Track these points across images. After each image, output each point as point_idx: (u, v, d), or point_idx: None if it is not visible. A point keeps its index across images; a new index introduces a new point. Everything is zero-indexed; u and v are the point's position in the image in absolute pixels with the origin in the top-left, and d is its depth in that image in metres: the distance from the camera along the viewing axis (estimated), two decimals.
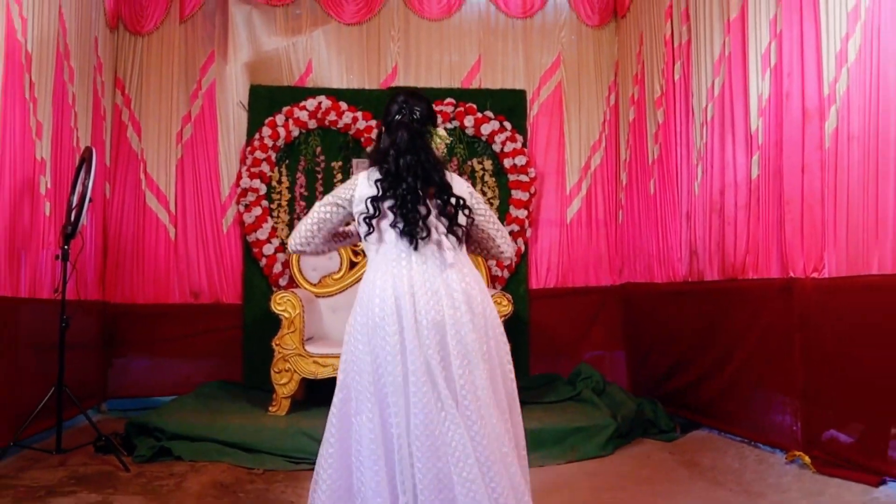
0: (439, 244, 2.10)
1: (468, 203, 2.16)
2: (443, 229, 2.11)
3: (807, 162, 3.11)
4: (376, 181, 2.10)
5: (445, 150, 2.29)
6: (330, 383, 4.13)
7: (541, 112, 5.33)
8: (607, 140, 5.34)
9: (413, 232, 2.06)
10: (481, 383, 2.02)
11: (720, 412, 3.81)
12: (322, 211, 2.20)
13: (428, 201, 2.09)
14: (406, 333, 2.01)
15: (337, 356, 4.02)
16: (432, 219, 2.10)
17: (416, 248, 2.07)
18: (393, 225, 2.08)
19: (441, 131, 2.24)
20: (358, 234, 2.23)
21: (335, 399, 2.13)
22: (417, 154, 2.10)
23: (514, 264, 5.08)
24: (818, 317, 3.02)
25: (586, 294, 5.21)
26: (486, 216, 2.26)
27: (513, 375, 2.18)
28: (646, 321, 4.79)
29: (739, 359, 3.61)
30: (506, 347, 2.17)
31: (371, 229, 2.10)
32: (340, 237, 2.33)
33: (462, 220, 2.15)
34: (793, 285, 3.16)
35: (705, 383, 3.94)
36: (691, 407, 4.11)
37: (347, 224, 2.27)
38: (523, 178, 5.10)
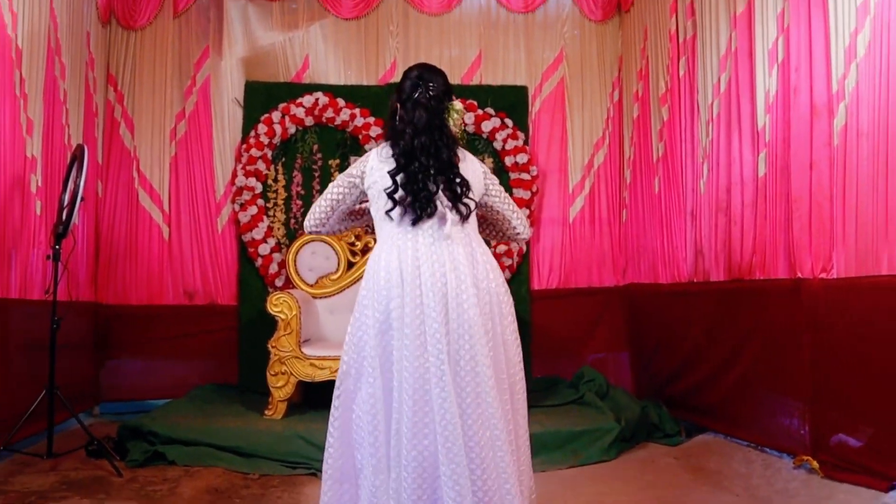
0: (445, 220, 2.14)
1: (483, 183, 2.24)
2: (450, 206, 2.15)
3: (815, 159, 3.11)
4: (391, 156, 2.16)
5: (463, 127, 2.36)
6: (327, 386, 4.15)
7: (543, 109, 5.33)
8: (611, 137, 5.34)
9: (420, 207, 2.11)
10: (482, 360, 2.04)
11: (726, 416, 3.81)
12: (336, 192, 2.25)
13: (437, 178, 2.14)
14: (407, 307, 2.05)
15: (335, 358, 4.04)
16: (441, 196, 2.14)
17: (420, 223, 2.12)
18: (402, 201, 2.13)
19: (458, 105, 2.25)
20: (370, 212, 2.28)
21: (337, 383, 2.18)
22: (433, 134, 2.15)
23: (515, 264, 5.08)
24: (827, 318, 3.02)
25: (589, 295, 5.21)
26: (500, 197, 2.33)
27: (520, 359, 2.20)
28: (650, 322, 4.79)
29: (746, 361, 3.61)
30: (513, 328, 2.19)
31: (395, 204, 2.13)
32: (356, 215, 2.37)
33: (467, 199, 2.18)
34: (801, 286, 3.16)
35: (711, 386, 3.94)
36: (697, 410, 4.11)
37: (362, 202, 2.33)
38: (525, 176, 5.10)
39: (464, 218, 2.18)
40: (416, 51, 5.29)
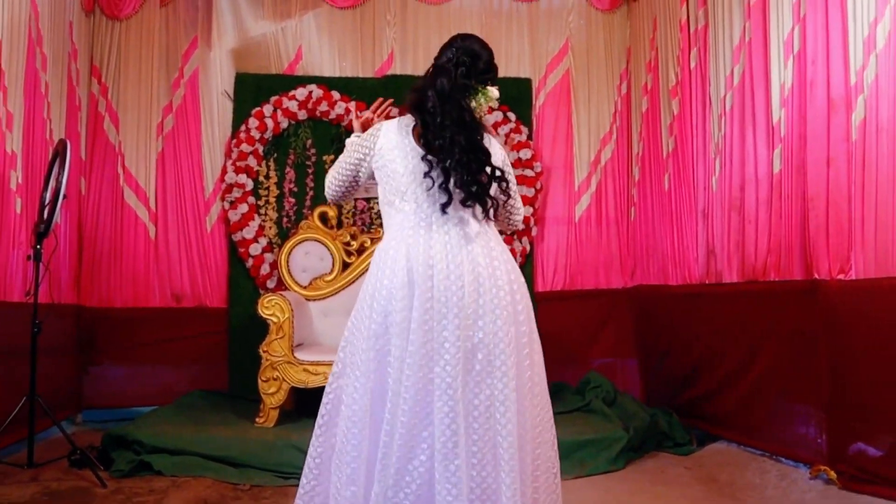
0: (463, 215, 2.02)
1: (504, 174, 2.09)
2: (469, 196, 2.00)
3: (832, 155, 3.11)
4: (415, 127, 2.05)
5: (487, 112, 2.19)
6: (321, 393, 4.15)
7: (547, 102, 5.33)
8: (618, 132, 5.34)
9: (468, 195, 1.98)
10: (499, 375, 1.94)
11: (740, 424, 3.81)
12: (346, 172, 2.17)
13: (465, 162, 2.00)
14: (415, 311, 1.94)
15: (329, 363, 4.02)
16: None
17: (441, 214, 2.00)
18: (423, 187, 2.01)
19: (493, 92, 2.09)
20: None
21: (329, 380, 2.14)
22: (460, 109, 2.01)
23: (518, 265, 5.08)
24: (845, 321, 3.02)
25: (596, 297, 5.21)
26: (513, 189, 2.19)
27: (541, 369, 2.11)
28: (660, 326, 4.79)
29: (760, 367, 3.61)
30: (533, 330, 2.10)
31: (433, 182, 2.00)
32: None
33: (495, 190, 2.06)
34: (818, 287, 3.16)
35: (724, 393, 3.94)
36: (709, 418, 4.11)
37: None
38: (528, 172, 5.10)
39: (486, 213, 2.05)
40: (414, 41, 5.29)
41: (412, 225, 2.02)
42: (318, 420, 2.13)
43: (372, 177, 2.16)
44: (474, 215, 2.05)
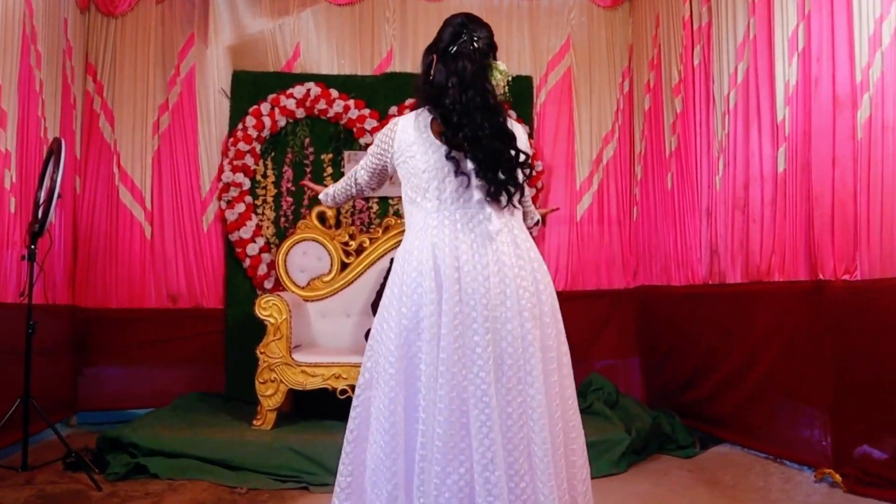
0: (488, 209, 1.97)
1: (528, 159, 2.03)
2: (493, 186, 1.95)
3: (838, 154, 3.11)
4: (433, 120, 1.99)
5: (507, 90, 2.09)
6: (319, 395, 4.16)
7: (548, 100, 5.33)
8: (621, 131, 5.34)
9: (496, 189, 1.94)
10: (532, 379, 1.91)
11: (743, 426, 3.81)
12: (365, 178, 2.24)
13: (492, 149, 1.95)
14: (445, 315, 1.88)
15: (327, 365, 4.05)
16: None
17: (465, 210, 1.96)
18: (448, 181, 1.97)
19: (502, 65, 2.04)
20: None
21: (356, 392, 2.07)
22: (483, 90, 1.94)
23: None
24: (850, 322, 3.02)
25: (598, 297, 5.21)
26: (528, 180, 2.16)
27: (569, 371, 2.10)
28: (662, 327, 4.79)
29: (764, 368, 3.61)
30: (559, 327, 2.06)
31: (467, 178, 1.96)
32: None
33: (521, 178, 2.01)
34: (823, 288, 3.16)
35: (727, 394, 3.94)
36: (712, 420, 4.11)
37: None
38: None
39: (513, 205, 2.00)
40: (413, 38, 5.29)
41: (436, 224, 1.97)
42: (347, 436, 2.04)
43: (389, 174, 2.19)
44: (499, 207, 1.98)
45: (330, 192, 2.46)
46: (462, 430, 1.84)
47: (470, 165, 1.95)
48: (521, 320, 1.94)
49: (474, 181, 1.96)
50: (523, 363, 1.92)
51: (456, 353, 1.87)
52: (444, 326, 1.88)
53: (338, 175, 5.04)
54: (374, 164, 2.17)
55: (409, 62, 5.24)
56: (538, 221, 2.45)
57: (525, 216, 2.22)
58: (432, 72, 2.03)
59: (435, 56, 2.05)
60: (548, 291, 2.04)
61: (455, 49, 1.99)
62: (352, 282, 4.73)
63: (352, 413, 2.04)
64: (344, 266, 4.79)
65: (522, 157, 2.01)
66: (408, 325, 1.93)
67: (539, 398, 1.92)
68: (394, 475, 1.88)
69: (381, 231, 4.85)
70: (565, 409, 2.04)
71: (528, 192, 2.19)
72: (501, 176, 1.95)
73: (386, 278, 4.39)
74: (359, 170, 2.26)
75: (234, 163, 4.95)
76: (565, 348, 2.09)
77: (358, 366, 3.96)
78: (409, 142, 2.02)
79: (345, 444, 2.05)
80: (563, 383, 2.03)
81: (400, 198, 5.14)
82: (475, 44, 2.00)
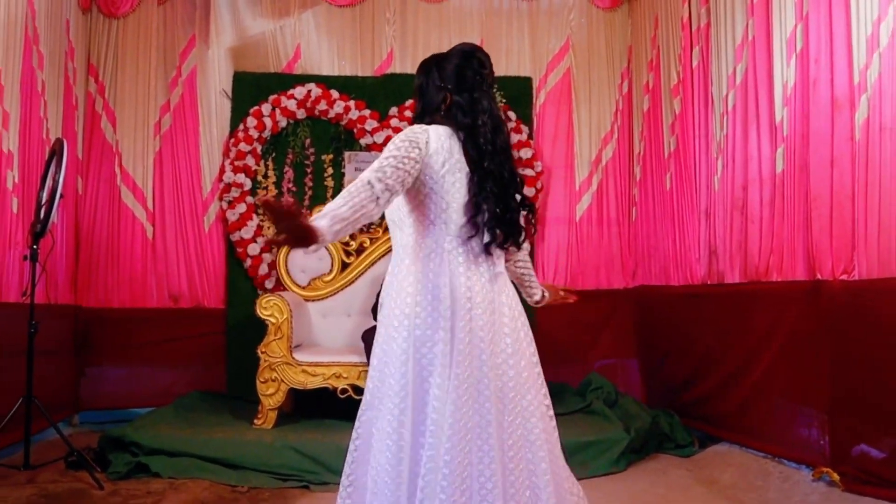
0: (496, 250, 1.99)
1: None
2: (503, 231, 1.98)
3: (836, 155, 3.11)
4: (464, 144, 1.93)
5: None
6: (320, 394, 4.16)
7: (548, 101, 5.33)
8: (620, 131, 5.35)
9: (509, 232, 1.96)
10: (533, 410, 1.95)
11: (741, 425, 3.81)
12: (398, 176, 1.82)
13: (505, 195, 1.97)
14: (458, 343, 1.86)
15: (328, 364, 4.05)
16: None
17: (480, 250, 1.95)
18: (484, 221, 1.93)
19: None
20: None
21: (360, 410, 2.00)
22: (506, 139, 1.97)
23: None
24: (848, 322, 3.02)
25: (597, 298, 5.20)
26: None
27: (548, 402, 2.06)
28: (661, 327, 4.79)
29: (762, 368, 3.61)
30: (540, 371, 2.05)
31: (489, 217, 1.94)
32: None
33: (522, 222, 2.03)
34: (820, 288, 3.16)
35: (725, 394, 3.94)
36: (710, 419, 4.11)
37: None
38: (529, 172, 5.10)
39: (520, 246, 2.07)
40: (413, 40, 5.29)
41: (450, 249, 1.94)
42: (348, 458, 2.00)
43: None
44: (502, 250, 2.01)
45: (330, 216, 1.77)
46: (465, 459, 1.82)
47: (487, 207, 1.93)
48: (519, 358, 1.96)
49: (489, 223, 1.94)
50: (520, 399, 1.94)
51: (467, 381, 1.86)
52: (457, 353, 1.86)
53: (338, 175, 5.04)
54: (407, 156, 1.85)
55: (410, 63, 5.24)
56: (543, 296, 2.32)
57: (525, 282, 2.25)
58: (450, 98, 2.00)
59: (450, 84, 2.01)
60: (527, 329, 2.05)
61: (482, 89, 2.00)
62: (352, 281, 4.73)
63: (353, 435, 2.00)
64: (344, 266, 4.79)
65: (528, 202, 2.07)
66: (422, 349, 1.88)
67: (538, 433, 1.94)
68: (398, 500, 1.84)
69: (381, 231, 4.85)
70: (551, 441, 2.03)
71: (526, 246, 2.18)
72: (514, 226, 1.99)
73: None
74: (382, 171, 1.81)
75: (236, 163, 4.96)
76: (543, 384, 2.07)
77: (358, 365, 3.99)
78: (440, 162, 1.92)
79: (345, 467, 2.01)
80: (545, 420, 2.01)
81: None
82: (487, 79, 2.02)
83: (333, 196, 5.15)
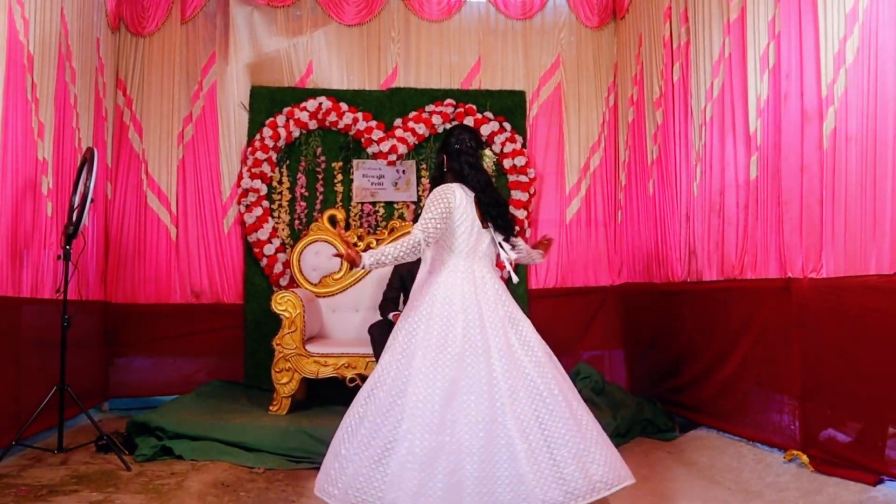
0: (491, 254, 2.68)
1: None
2: (498, 240, 2.69)
3: (805, 163, 3.11)
4: (476, 196, 2.66)
5: (494, 168, 2.60)
6: (331, 383, 4.16)
7: (540, 113, 5.33)
8: (606, 141, 5.35)
9: (505, 227, 2.68)
10: (548, 382, 2.46)
11: (718, 412, 3.81)
12: (438, 226, 2.55)
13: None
14: (472, 328, 2.44)
15: (338, 355, 4.06)
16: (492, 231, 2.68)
17: (483, 265, 2.64)
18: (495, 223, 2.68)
19: (489, 152, 2.67)
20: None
21: (368, 386, 2.49)
22: (488, 178, 2.73)
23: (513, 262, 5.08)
24: (816, 317, 3.02)
25: (585, 294, 5.22)
26: None
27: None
28: (644, 321, 4.79)
29: (737, 358, 3.61)
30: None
31: (494, 244, 2.71)
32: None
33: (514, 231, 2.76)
34: (791, 285, 3.16)
35: (704, 383, 3.94)
36: (690, 406, 4.11)
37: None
38: (523, 178, 5.10)
39: (509, 244, 2.71)
40: (416, 56, 5.30)
41: (465, 266, 2.60)
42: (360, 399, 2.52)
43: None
44: (493, 254, 2.70)
45: (375, 258, 2.57)
46: (495, 456, 2.29)
47: (488, 231, 2.67)
48: (532, 333, 2.62)
49: (490, 241, 2.68)
50: (523, 355, 2.52)
51: (509, 364, 2.43)
52: (475, 335, 2.46)
53: (347, 181, 5.06)
54: (443, 212, 2.56)
55: (413, 78, 5.25)
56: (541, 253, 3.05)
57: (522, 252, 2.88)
58: (445, 166, 2.73)
59: (446, 155, 2.73)
60: (520, 311, 2.73)
61: (456, 149, 2.72)
62: (360, 279, 4.73)
63: (358, 408, 2.50)
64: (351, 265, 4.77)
65: (514, 220, 2.87)
66: (451, 337, 2.44)
67: (554, 393, 2.50)
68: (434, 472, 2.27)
69: (387, 233, 4.85)
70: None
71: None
72: (507, 225, 2.70)
73: (391, 278, 4.40)
74: (426, 224, 2.53)
75: (253, 170, 4.96)
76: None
77: (366, 356, 3.99)
78: (460, 205, 2.61)
79: (350, 437, 2.48)
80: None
81: (404, 203, 5.16)
82: (468, 143, 2.72)
83: (343, 200, 5.20)
